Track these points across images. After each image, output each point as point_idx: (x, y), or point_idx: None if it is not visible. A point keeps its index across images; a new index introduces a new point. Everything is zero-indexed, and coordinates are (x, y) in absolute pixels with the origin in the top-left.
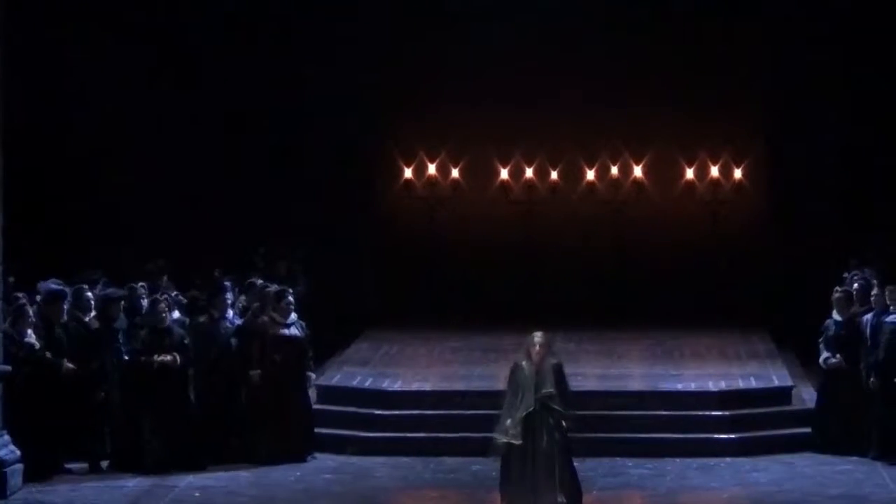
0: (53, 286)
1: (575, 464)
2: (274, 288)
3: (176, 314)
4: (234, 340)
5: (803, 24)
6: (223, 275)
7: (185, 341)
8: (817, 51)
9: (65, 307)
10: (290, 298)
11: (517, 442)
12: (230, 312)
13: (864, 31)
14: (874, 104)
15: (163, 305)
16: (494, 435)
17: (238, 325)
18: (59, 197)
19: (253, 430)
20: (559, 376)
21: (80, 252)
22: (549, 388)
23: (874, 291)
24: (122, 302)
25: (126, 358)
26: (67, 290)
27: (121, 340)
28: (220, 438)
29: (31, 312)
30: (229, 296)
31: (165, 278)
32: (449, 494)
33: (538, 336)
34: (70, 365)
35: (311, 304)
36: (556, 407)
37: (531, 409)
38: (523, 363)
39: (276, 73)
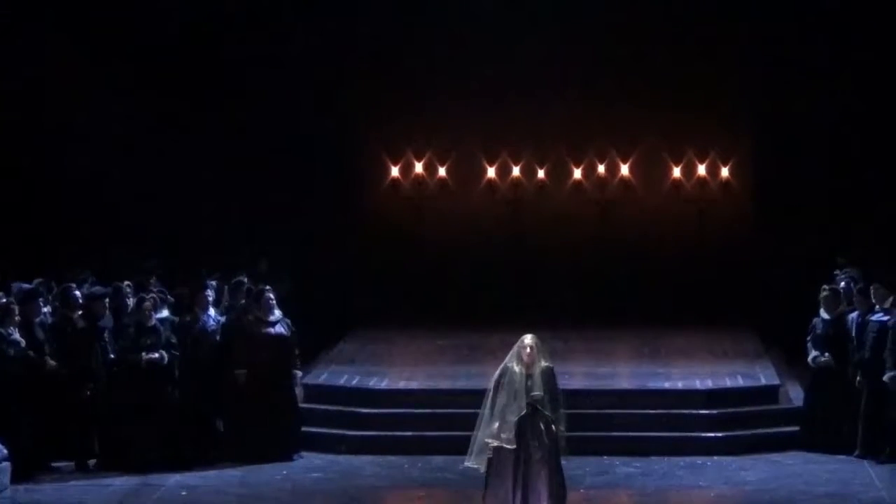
0: (25, 285)
1: (563, 462)
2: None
3: (165, 312)
4: (219, 338)
5: (791, 25)
6: (210, 274)
7: (172, 339)
8: (805, 51)
9: (40, 304)
10: (270, 295)
11: (511, 446)
12: (212, 310)
13: (853, 32)
14: (861, 104)
15: (148, 304)
16: (484, 438)
17: (223, 324)
18: (52, 196)
19: (240, 429)
20: (550, 380)
21: (69, 251)
22: (538, 392)
23: (854, 296)
24: (108, 300)
25: (112, 356)
26: (41, 288)
27: (107, 339)
28: (207, 437)
29: (17, 311)
30: (210, 293)
31: (154, 278)
32: (436, 493)
33: (528, 339)
34: (52, 362)
35: (297, 302)
36: (545, 411)
37: (523, 412)
38: (512, 366)
39: (268, 72)
